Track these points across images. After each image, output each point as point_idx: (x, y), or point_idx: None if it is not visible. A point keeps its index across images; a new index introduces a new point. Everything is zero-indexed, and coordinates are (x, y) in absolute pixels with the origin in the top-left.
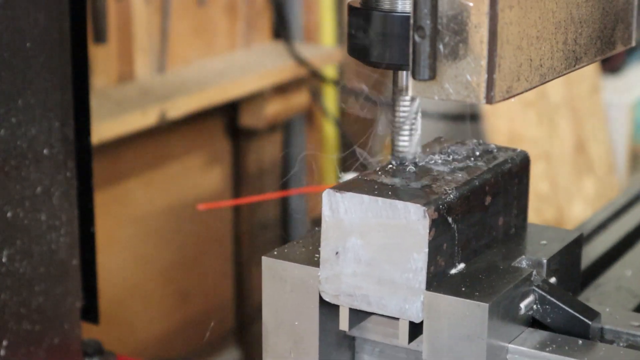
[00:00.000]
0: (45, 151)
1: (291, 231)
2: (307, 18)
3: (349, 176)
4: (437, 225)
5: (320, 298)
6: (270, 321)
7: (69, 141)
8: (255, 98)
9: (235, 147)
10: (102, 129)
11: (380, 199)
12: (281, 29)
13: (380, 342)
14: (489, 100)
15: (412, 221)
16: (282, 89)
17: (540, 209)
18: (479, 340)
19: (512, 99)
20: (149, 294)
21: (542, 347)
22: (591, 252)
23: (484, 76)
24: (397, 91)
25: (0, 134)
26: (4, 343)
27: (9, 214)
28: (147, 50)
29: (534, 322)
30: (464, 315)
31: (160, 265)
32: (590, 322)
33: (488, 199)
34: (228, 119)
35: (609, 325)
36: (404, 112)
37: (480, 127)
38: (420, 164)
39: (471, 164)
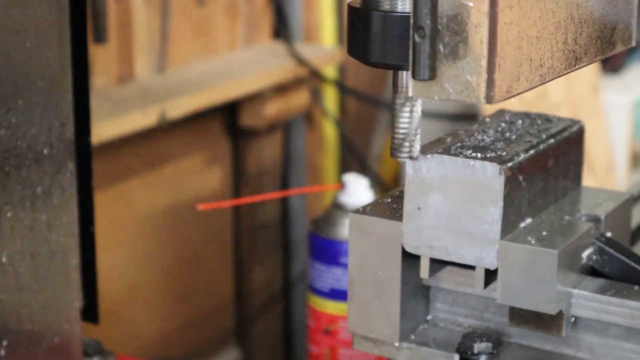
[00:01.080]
0: (45, 151)
1: (291, 231)
2: (307, 18)
3: (350, 176)
4: (511, 183)
5: (403, 250)
6: (355, 272)
7: (69, 141)
8: (255, 98)
9: (235, 147)
10: (102, 129)
11: (459, 158)
12: (281, 29)
13: (453, 291)
14: (489, 100)
15: (489, 178)
16: (282, 89)
17: None
18: (549, 285)
19: (512, 99)
20: (149, 294)
21: (602, 292)
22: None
23: (484, 76)
24: (397, 91)
25: (0, 134)
26: (4, 343)
27: (9, 214)
28: (147, 50)
29: (593, 272)
30: (535, 262)
31: (160, 265)
32: None
33: (551, 162)
34: (228, 119)
35: None
36: (403, 112)
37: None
38: (495, 131)
39: (535, 132)
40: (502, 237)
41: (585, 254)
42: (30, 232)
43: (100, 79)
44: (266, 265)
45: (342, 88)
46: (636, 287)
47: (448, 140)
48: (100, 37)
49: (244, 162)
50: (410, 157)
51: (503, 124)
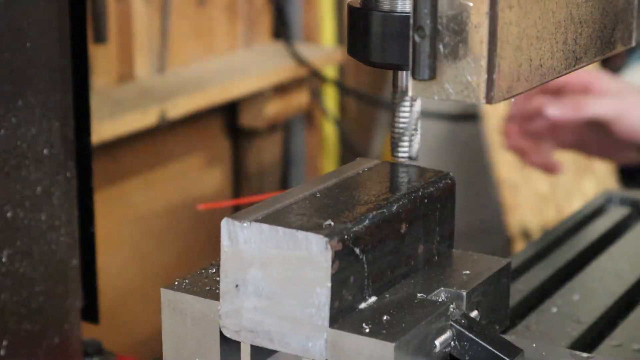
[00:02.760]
0: (45, 151)
1: None
2: (307, 18)
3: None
4: (342, 257)
5: (222, 333)
6: (171, 356)
7: (69, 141)
8: (255, 98)
9: (235, 147)
10: (102, 129)
11: (280, 228)
12: (281, 29)
13: None
14: (489, 100)
15: (314, 253)
16: (282, 89)
17: (540, 209)
18: None
19: (512, 99)
20: (148, 294)
21: None
22: (540, 274)
23: (484, 76)
24: (397, 93)
25: (0, 134)
26: (4, 343)
27: (9, 214)
28: (147, 50)
29: None
30: (369, 355)
31: (160, 265)
32: None
33: (404, 227)
34: (228, 119)
35: None
36: (403, 119)
37: (480, 127)
38: (340, 188)
39: (391, 188)
40: (332, 324)
41: (440, 340)
42: (30, 232)
43: (100, 79)
44: None
45: (342, 88)
46: None
47: (280, 202)
48: (100, 37)
49: (244, 162)
50: (410, 157)
51: (352, 177)
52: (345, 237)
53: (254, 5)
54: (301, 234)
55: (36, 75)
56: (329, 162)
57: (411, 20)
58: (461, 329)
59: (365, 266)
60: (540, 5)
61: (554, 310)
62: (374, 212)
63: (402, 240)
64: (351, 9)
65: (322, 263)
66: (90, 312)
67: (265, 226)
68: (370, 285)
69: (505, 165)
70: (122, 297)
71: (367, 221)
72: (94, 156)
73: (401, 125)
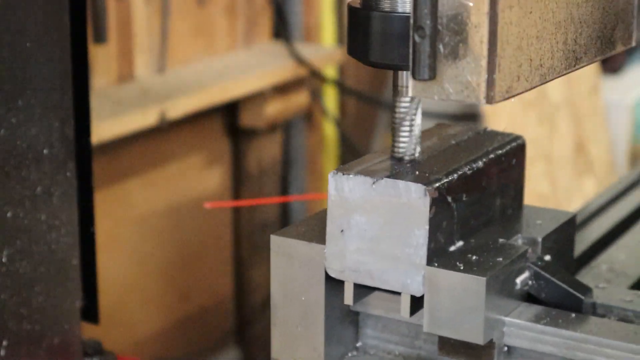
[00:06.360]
0: (45, 151)
1: None
2: (307, 18)
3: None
4: (437, 204)
5: (326, 274)
6: (278, 296)
7: (69, 141)
8: (255, 98)
9: (235, 147)
10: (102, 129)
11: (383, 179)
12: (281, 29)
13: (382, 317)
14: (489, 100)
15: (414, 199)
16: (282, 89)
17: None
18: (477, 313)
19: (512, 99)
20: (148, 293)
21: (537, 320)
22: (588, 236)
23: (484, 76)
24: (397, 91)
25: (0, 134)
26: (4, 343)
27: (9, 214)
28: (147, 50)
29: (529, 297)
30: (463, 289)
31: (160, 265)
32: (582, 297)
33: (485, 181)
34: (228, 119)
35: (601, 300)
36: (403, 111)
37: (480, 127)
38: (424, 146)
39: (471, 148)
40: (429, 262)
41: (520, 279)
42: (30, 232)
43: (100, 79)
44: (266, 265)
45: (342, 88)
46: (573, 315)
47: (376, 157)
48: (100, 37)
49: (244, 162)
50: (409, 154)
51: (437, 140)
52: (440, 186)
53: (254, 5)
54: (402, 183)
55: (36, 75)
56: (329, 161)
57: (411, 20)
58: (538, 269)
59: (455, 213)
60: (540, 5)
61: (604, 267)
62: (462, 168)
63: (483, 192)
64: (351, 9)
65: (421, 208)
66: (90, 312)
67: (369, 177)
68: (459, 230)
69: None
70: (122, 297)
71: (456, 174)
72: (94, 156)
73: (401, 116)
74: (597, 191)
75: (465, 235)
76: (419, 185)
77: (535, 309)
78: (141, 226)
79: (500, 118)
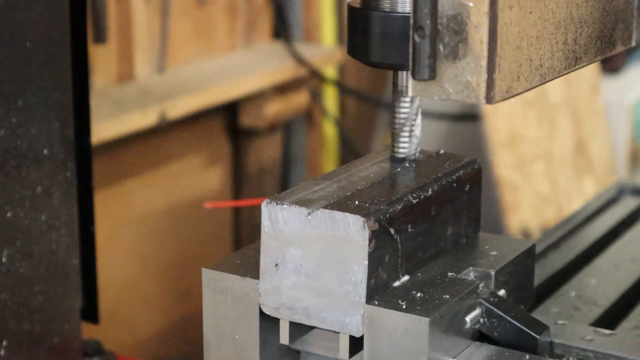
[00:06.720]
0: (45, 151)
1: None
2: (307, 18)
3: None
4: (378, 237)
5: (261, 311)
6: (211, 333)
7: (69, 141)
8: (255, 98)
9: (235, 147)
10: (102, 129)
11: (319, 210)
12: (281, 29)
13: (323, 356)
14: (489, 100)
15: (352, 232)
16: (282, 89)
17: (540, 209)
18: (420, 356)
19: (512, 99)
20: (148, 293)
21: None
22: (557, 261)
23: (484, 76)
24: (397, 91)
25: (0, 134)
26: (4, 343)
27: (9, 214)
28: (147, 50)
29: (481, 336)
30: (404, 330)
31: (160, 265)
32: (538, 336)
33: (434, 209)
34: (228, 119)
35: (559, 339)
36: (404, 112)
37: (480, 127)
38: (368, 172)
39: (421, 173)
40: (369, 300)
41: (470, 316)
42: (30, 232)
43: (100, 79)
44: None
45: (342, 88)
46: (527, 356)
47: (315, 185)
48: (100, 37)
49: (244, 162)
50: (409, 154)
51: (385, 164)
52: (381, 217)
53: (254, 5)
54: (339, 215)
55: (36, 75)
56: (329, 161)
57: (411, 20)
58: (490, 306)
59: (399, 246)
60: (540, 5)
61: (572, 294)
62: (407, 196)
63: (432, 222)
64: (351, 9)
65: (360, 242)
66: (90, 312)
67: (304, 208)
68: (404, 264)
69: (505, 165)
70: (122, 297)
71: (400, 204)
72: (94, 156)
73: (401, 121)
74: (597, 191)
75: (412, 269)
76: (357, 217)
77: (486, 349)
78: (141, 226)
79: (500, 118)
